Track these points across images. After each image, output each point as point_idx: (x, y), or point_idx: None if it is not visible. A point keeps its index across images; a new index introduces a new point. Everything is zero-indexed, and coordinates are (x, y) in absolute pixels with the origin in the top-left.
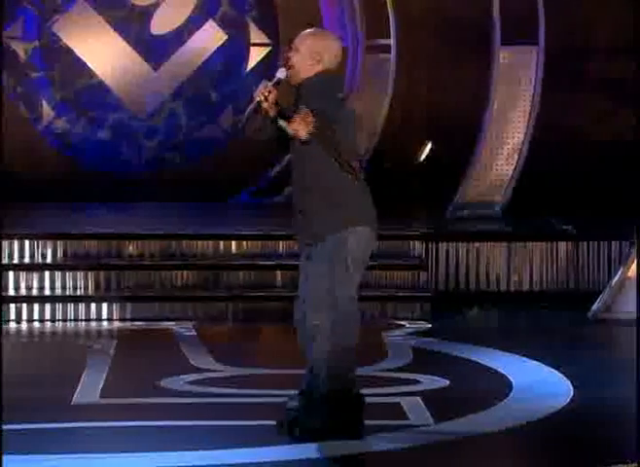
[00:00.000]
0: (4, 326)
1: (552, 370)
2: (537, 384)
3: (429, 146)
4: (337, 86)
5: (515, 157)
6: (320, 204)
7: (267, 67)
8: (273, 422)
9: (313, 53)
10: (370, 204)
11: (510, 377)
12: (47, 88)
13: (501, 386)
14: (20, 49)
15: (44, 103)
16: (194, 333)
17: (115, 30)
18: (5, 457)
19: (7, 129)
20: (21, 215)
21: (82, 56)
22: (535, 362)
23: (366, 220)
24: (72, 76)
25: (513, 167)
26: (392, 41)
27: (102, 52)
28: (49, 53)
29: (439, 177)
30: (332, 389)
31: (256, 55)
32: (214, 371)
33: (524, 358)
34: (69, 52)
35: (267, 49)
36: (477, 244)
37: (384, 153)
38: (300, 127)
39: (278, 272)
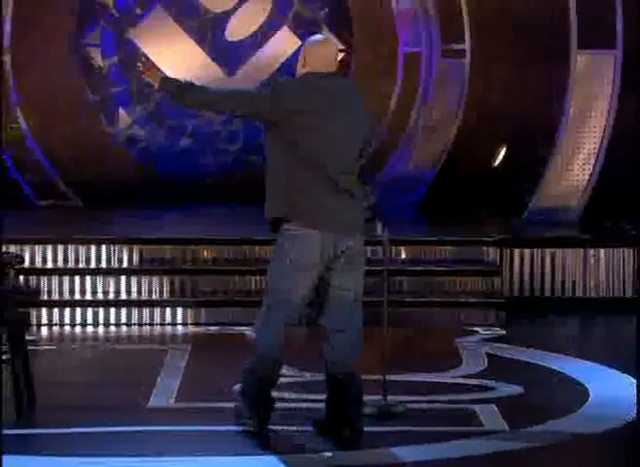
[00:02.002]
0: (82, 330)
1: (630, 377)
2: (614, 392)
3: (504, 151)
4: (307, 83)
5: (592, 161)
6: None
7: (342, 72)
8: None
9: (301, 58)
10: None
11: (586, 385)
12: (126, 99)
13: (577, 394)
14: (98, 56)
15: (123, 114)
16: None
17: (191, 37)
18: (81, 459)
19: (86, 137)
20: (99, 220)
21: (159, 64)
22: (612, 369)
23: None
24: (150, 87)
25: (589, 172)
26: (467, 45)
27: (178, 59)
28: (127, 67)
29: (514, 182)
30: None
31: None
32: (287, 376)
33: (601, 365)
34: (147, 61)
35: (341, 54)
36: (552, 250)
37: (462, 156)
38: (150, 78)
39: None
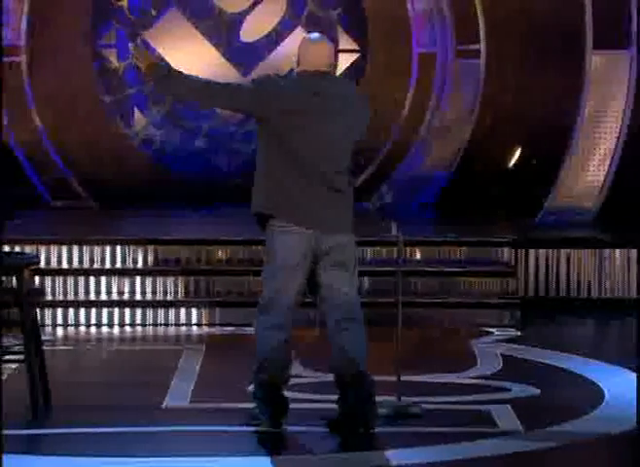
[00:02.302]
0: (97, 330)
1: None
2: (629, 393)
3: (518, 151)
4: (295, 82)
5: (607, 162)
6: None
7: (356, 73)
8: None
9: (295, 57)
10: (277, 194)
11: (601, 386)
12: (141, 100)
13: (592, 395)
14: (113, 57)
15: (138, 115)
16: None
17: (205, 38)
18: (96, 459)
19: (101, 138)
20: (114, 221)
21: (174, 65)
22: (627, 370)
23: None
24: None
25: (604, 173)
26: (481, 46)
27: (193, 59)
28: (141, 73)
29: (528, 182)
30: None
31: (344, 62)
32: (301, 376)
33: (616, 366)
34: (161, 62)
35: (356, 55)
36: (567, 251)
37: (476, 157)
38: (139, 63)
39: (365, 279)
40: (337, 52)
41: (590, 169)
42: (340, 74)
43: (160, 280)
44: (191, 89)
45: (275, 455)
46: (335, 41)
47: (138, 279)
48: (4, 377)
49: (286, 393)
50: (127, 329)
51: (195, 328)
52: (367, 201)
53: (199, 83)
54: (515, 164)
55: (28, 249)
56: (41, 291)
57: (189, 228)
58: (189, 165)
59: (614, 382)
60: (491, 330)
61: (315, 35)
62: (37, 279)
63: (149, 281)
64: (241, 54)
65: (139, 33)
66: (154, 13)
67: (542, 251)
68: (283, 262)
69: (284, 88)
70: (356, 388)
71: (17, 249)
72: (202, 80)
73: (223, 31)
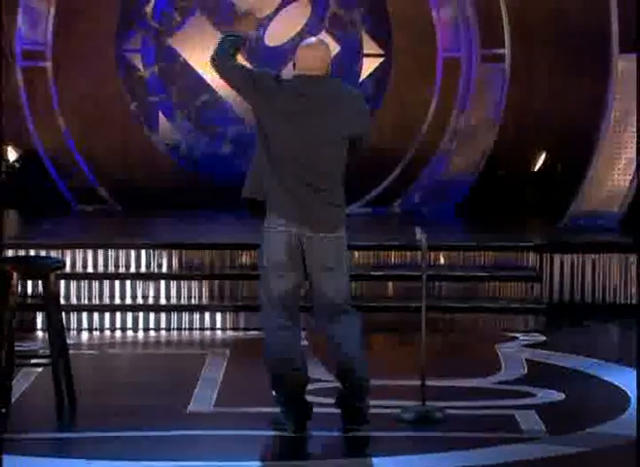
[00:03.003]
0: (122, 334)
1: None
2: None
3: (543, 156)
4: (285, 85)
5: (633, 167)
6: None
7: (381, 78)
8: (385, 433)
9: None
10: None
11: (627, 391)
12: (167, 106)
13: (618, 400)
14: (139, 63)
15: (164, 120)
16: (305, 342)
17: None
18: (120, 463)
19: (127, 143)
20: (140, 226)
21: (198, 70)
22: None
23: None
24: (191, 94)
25: (630, 177)
26: (506, 50)
27: None
28: (168, 74)
29: (554, 187)
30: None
31: (369, 66)
32: (326, 381)
33: None
34: (186, 67)
35: (380, 59)
36: (593, 255)
37: (499, 161)
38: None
39: (390, 284)
40: (362, 56)
41: (616, 174)
42: (365, 79)
43: (184, 285)
44: (223, 61)
45: (299, 460)
46: (359, 43)
47: (163, 283)
48: (30, 380)
49: (310, 398)
50: (152, 333)
51: (219, 332)
52: (391, 205)
53: (229, 58)
54: (540, 169)
55: (54, 253)
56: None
57: (214, 232)
58: (215, 170)
59: (637, 387)
60: (516, 335)
61: (310, 40)
62: (62, 284)
63: (174, 285)
64: (266, 59)
65: (165, 38)
66: (178, 18)
67: (567, 256)
68: (270, 262)
69: (271, 87)
70: (345, 381)
71: (43, 253)
72: (230, 58)
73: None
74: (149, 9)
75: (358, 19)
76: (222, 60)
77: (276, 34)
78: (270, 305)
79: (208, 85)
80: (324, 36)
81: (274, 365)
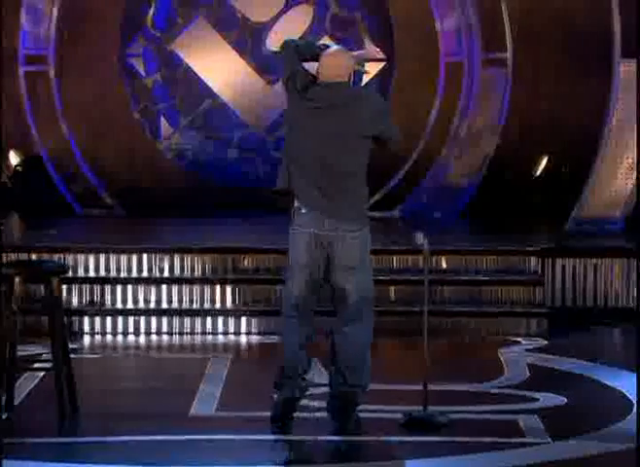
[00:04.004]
0: (124, 339)
1: None
2: None
3: (546, 160)
4: (309, 90)
5: (636, 171)
6: None
7: (383, 82)
8: (387, 437)
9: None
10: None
11: (630, 396)
12: (172, 110)
13: (621, 405)
14: (142, 68)
15: (169, 125)
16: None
17: (232, 47)
18: None
19: (131, 148)
20: (142, 230)
21: (201, 75)
22: None
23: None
24: (194, 99)
25: (632, 182)
26: (509, 54)
27: (220, 68)
28: (172, 79)
29: (557, 191)
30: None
31: (371, 71)
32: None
33: None
34: (189, 72)
35: (383, 64)
36: (595, 260)
37: (504, 166)
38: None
39: (392, 288)
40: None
41: (619, 178)
42: (367, 83)
43: (186, 289)
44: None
45: (301, 465)
46: (360, 43)
47: (165, 288)
48: (33, 384)
49: (318, 403)
50: (154, 337)
51: (221, 336)
52: (394, 209)
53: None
54: (543, 173)
55: (56, 258)
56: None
57: (218, 237)
58: (220, 175)
59: (637, 392)
60: (519, 339)
61: (332, 49)
62: (65, 288)
63: (175, 290)
64: (268, 63)
65: (168, 43)
66: (181, 22)
67: (570, 260)
68: (293, 261)
69: (304, 86)
70: (339, 385)
71: (46, 257)
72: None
73: (249, 40)
74: (151, 13)
75: (359, 22)
76: (290, 49)
77: (279, 38)
78: (287, 302)
79: (209, 88)
80: (326, 40)
81: (283, 366)
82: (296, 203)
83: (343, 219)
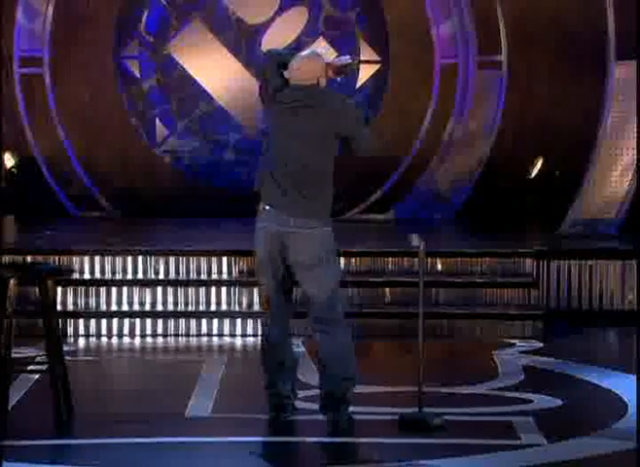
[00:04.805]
0: (119, 341)
1: None
2: None
3: (540, 162)
4: (282, 93)
5: (630, 173)
6: None
7: (377, 84)
8: (382, 439)
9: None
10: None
11: (625, 398)
12: (167, 114)
13: (616, 407)
14: (138, 71)
15: (164, 128)
16: (303, 349)
17: (227, 49)
18: None
19: (127, 150)
20: (137, 232)
21: (196, 77)
22: None
23: None
24: (189, 101)
25: (628, 184)
26: (504, 57)
27: (215, 70)
28: (168, 82)
29: (552, 193)
30: None
31: (366, 72)
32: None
33: None
34: (184, 75)
35: (377, 66)
36: (590, 262)
37: (498, 168)
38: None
39: (387, 290)
40: (359, 62)
41: (613, 180)
42: (362, 85)
43: (181, 291)
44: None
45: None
46: (357, 51)
47: (160, 290)
48: (28, 387)
49: (307, 405)
50: (149, 339)
51: (216, 338)
52: (388, 213)
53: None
54: (538, 176)
55: (51, 260)
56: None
57: (213, 239)
58: (216, 177)
59: (637, 394)
60: (514, 341)
61: (301, 54)
62: (59, 290)
63: (171, 292)
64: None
65: (163, 46)
66: (175, 24)
67: (565, 262)
68: (257, 259)
69: (277, 88)
70: (324, 387)
71: (40, 259)
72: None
73: (244, 42)
74: (145, 16)
75: (356, 27)
76: (271, 59)
77: (273, 40)
78: (262, 294)
79: (204, 90)
80: (321, 42)
81: (263, 347)
82: (260, 203)
83: (299, 215)
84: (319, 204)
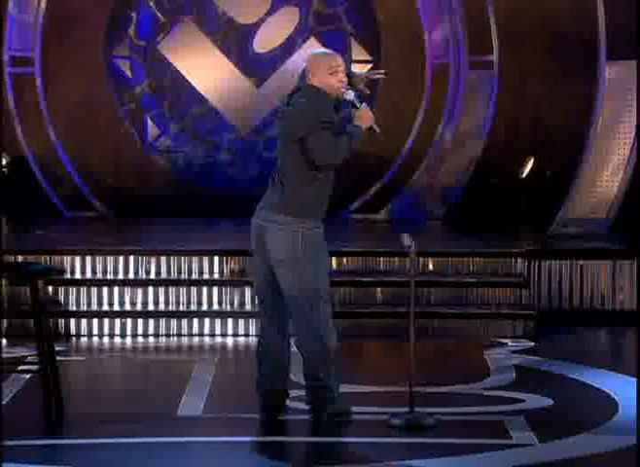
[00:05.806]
0: (110, 341)
1: None
2: None
3: (532, 162)
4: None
5: (621, 173)
6: None
7: (369, 84)
8: (374, 439)
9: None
10: None
11: (615, 398)
12: (159, 114)
13: (606, 406)
14: (129, 70)
15: (156, 128)
16: (295, 349)
17: (219, 49)
18: None
19: (118, 150)
20: (129, 232)
21: (188, 77)
22: None
23: None
24: (181, 102)
25: (618, 183)
26: (495, 57)
27: (206, 71)
28: (159, 81)
29: (543, 193)
30: None
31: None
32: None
33: (630, 377)
34: (176, 75)
35: (369, 65)
36: (581, 262)
37: (490, 168)
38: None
39: (378, 290)
40: (350, 62)
41: (605, 180)
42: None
43: (173, 290)
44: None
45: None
46: (348, 50)
47: (151, 290)
48: (19, 387)
49: (303, 405)
50: (140, 339)
51: (208, 338)
52: (380, 211)
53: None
54: (529, 176)
55: (42, 260)
56: (58, 302)
57: (206, 240)
58: (209, 177)
59: (628, 394)
60: (505, 341)
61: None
62: (51, 290)
63: (162, 291)
64: (254, 66)
65: (155, 46)
66: (166, 23)
67: (556, 262)
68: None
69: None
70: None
71: (32, 259)
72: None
73: (236, 42)
74: (137, 16)
75: (348, 28)
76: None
77: (265, 41)
78: (259, 304)
79: (196, 91)
80: (312, 42)
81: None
82: None
83: (272, 210)
84: (290, 202)
